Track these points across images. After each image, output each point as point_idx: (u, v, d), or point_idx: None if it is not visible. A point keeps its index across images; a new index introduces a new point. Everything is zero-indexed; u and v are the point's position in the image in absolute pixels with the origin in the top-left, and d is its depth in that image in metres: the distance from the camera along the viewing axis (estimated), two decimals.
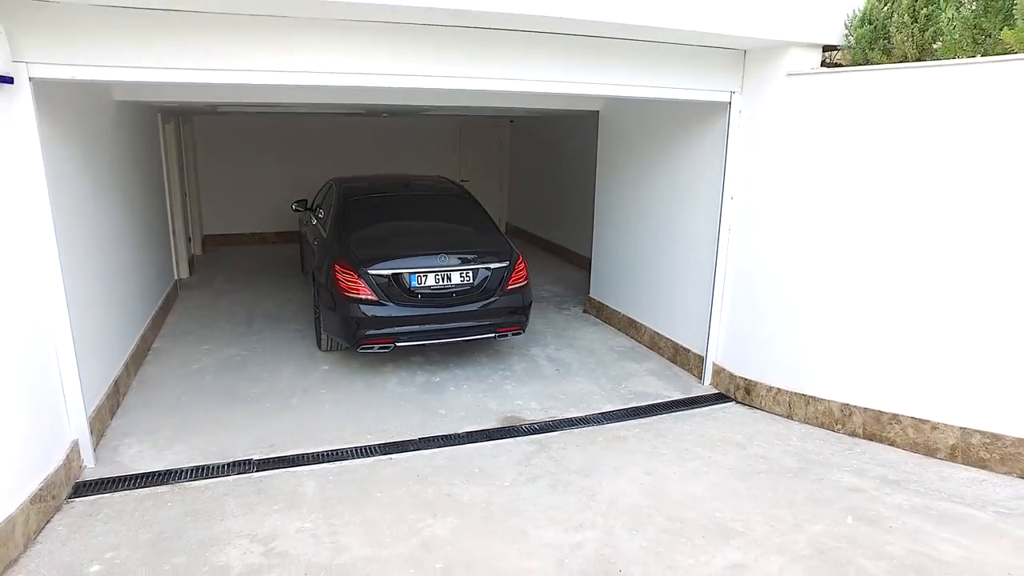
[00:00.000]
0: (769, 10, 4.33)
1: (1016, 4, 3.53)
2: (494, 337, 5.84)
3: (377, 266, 5.44)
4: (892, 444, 4.10)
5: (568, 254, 10.46)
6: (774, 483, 3.71)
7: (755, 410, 5.05)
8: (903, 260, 4.06)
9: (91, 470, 4.01)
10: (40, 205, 3.58)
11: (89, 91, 4.80)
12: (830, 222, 4.45)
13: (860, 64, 4.41)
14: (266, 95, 5.74)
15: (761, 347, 5.06)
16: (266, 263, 9.99)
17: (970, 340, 3.79)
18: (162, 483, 3.87)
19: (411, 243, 5.87)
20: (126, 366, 5.18)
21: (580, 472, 4.01)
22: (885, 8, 4.25)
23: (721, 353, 5.47)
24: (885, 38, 4.24)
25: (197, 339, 6.48)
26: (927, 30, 4.01)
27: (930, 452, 3.92)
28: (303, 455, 4.25)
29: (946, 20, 3.87)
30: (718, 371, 5.48)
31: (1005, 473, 3.60)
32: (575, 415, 4.99)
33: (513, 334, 5.90)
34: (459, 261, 5.65)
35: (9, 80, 3.32)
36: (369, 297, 5.39)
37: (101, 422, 4.40)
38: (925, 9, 4.01)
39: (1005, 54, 3.61)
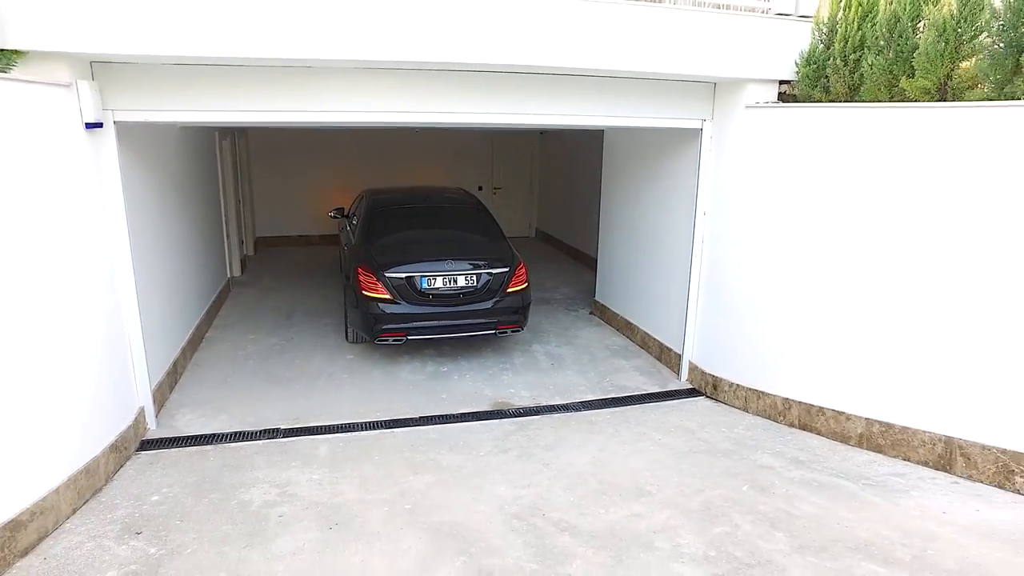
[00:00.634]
0: (727, 51, 5.04)
1: (915, 57, 4.18)
2: (495, 333, 6.71)
3: (393, 270, 6.39)
4: (818, 433, 4.77)
5: (589, 260, 11.20)
6: (702, 461, 4.45)
7: (719, 403, 5.76)
8: (828, 274, 4.73)
9: (153, 431, 5.07)
10: (118, 218, 4.65)
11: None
12: (776, 240, 5.14)
13: (806, 98, 5.09)
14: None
15: (726, 348, 5.77)
16: (309, 263, 11.13)
17: (874, 343, 4.44)
18: (207, 444, 4.90)
19: (424, 250, 6.77)
20: (183, 350, 6.29)
21: (546, 447, 4.84)
22: (825, 51, 4.91)
23: (695, 352, 6.19)
24: (824, 77, 4.91)
25: (244, 329, 7.59)
26: (855, 73, 4.66)
27: (844, 439, 4.58)
28: (321, 426, 5.22)
29: (867, 65, 4.52)
30: (693, 368, 6.20)
31: (894, 456, 4.24)
32: (558, 403, 5.81)
33: (512, 331, 6.75)
34: (465, 266, 6.55)
35: (100, 125, 4.39)
36: (386, 297, 6.34)
37: (162, 394, 5.49)
38: (854, 55, 4.66)
39: (905, 100, 4.26)
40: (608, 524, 3.52)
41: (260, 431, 5.12)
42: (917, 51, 4.21)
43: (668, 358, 6.62)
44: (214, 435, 5.06)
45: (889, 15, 4.44)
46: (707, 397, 5.93)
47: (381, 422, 5.33)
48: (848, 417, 4.57)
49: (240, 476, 4.34)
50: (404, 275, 6.39)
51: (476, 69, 4.89)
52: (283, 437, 5.03)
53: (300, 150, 12.10)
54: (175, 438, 4.99)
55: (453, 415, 5.52)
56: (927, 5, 4.23)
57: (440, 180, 12.02)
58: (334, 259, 10.81)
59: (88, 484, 4.01)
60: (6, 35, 3.67)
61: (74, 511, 3.80)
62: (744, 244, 5.45)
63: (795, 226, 4.98)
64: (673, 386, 6.23)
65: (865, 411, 4.47)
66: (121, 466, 4.47)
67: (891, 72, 4.40)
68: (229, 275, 9.45)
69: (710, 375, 5.93)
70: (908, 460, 4.19)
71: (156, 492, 4.11)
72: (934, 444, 4.08)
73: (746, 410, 5.49)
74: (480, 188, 12.91)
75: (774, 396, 5.21)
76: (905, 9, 4.33)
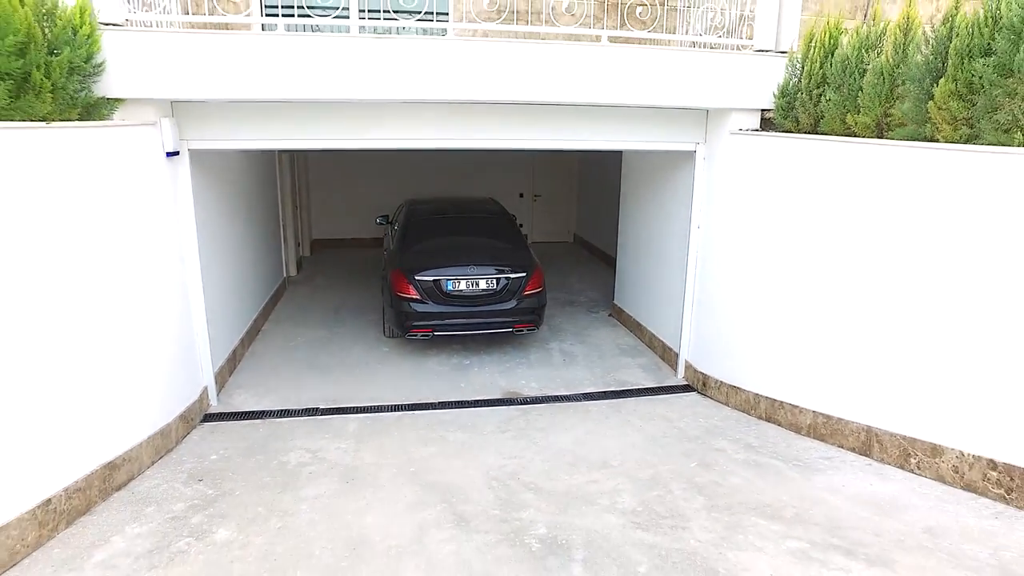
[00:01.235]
0: (716, 84, 5.76)
1: (860, 96, 4.83)
2: (512, 331, 7.60)
3: (422, 273, 7.36)
4: (778, 424, 5.45)
5: None
6: (668, 444, 5.21)
7: (706, 398, 6.48)
8: (787, 283, 5.39)
9: (214, 407, 6.18)
10: (189, 231, 5.76)
11: None
12: (748, 252, 5.83)
13: (781, 127, 5.76)
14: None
15: (714, 349, 6.48)
16: (360, 264, 12.27)
17: (819, 345, 5.10)
18: (257, 418, 5.96)
19: (451, 256, 7.68)
20: (242, 341, 7.44)
21: (540, 430, 5.68)
22: (796, 85, 5.58)
23: (691, 352, 6.90)
24: (794, 109, 5.58)
25: (295, 324, 8.73)
26: (817, 106, 5.32)
27: (797, 429, 5.25)
28: (353, 407, 6.21)
29: (825, 101, 5.18)
30: (688, 367, 6.92)
31: (831, 443, 4.89)
32: (562, 393, 6.64)
33: (528, 330, 7.62)
34: (487, 271, 7.46)
35: (177, 153, 5.51)
36: (416, 297, 7.32)
37: (223, 377, 6.61)
38: (816, 90, 5.32)
39: (852, 134, 4.91)
40: (567, 486, 4.34)
41: (302, 409, 6.16)
42: (861, 91, 4.86)
43: (669, 357, 7.35)
44: (263, 411, 6.13)
45: (842, 57, 5.09)
46: (698, 393, 6.64)
47: (404, 405, 6.29)
48: (800, 410, 5.24)
49: (281, 444, 5.36)
50: (432, 278, 7.35)
51: (510, 102, 5.74)
52: (320, 415, 6.05)
53: (355, 160, 13.26)
54: (232, 413, 6.08)
55: (467, 401, 6.43)
56: (869, 52, 4.88)
57: (484, 187, 12.93)
58: (380, 261, 11.90)
59: (163, 444, 5.11)
60: (109, 87, 4.79)
61: (152, 463, 4.90)
62: (725, 255, 6.16)
63: (764, 241, 5.67)
64: (670, 382, 6.97)
65: (812, 405, 5.13)
66: (188, 433, 5.58)
67: (844, 108, 5.05)
68: (285, 275, 10.66)
69: (701, 373, 6.65)
70: (841, 447, 4.83)
71: (214, 452, 5.18)
72: (859, 433, 4.72)
73: (726, 404, 6.19)
74: (521, 195, 13.81)
75: (747, 392, 5.90)
76: (854, 53, 4.99)
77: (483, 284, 7.45)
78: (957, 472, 4.05)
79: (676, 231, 7.07)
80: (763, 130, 6.00)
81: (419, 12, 5.71)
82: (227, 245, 7.10)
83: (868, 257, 4.74)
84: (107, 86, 4.77)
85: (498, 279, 7.47)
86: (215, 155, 6.61)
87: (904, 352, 4.48)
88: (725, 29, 6.29)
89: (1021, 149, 3.79)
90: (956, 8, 4.35)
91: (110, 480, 4.29)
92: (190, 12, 6.10)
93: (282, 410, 6.16)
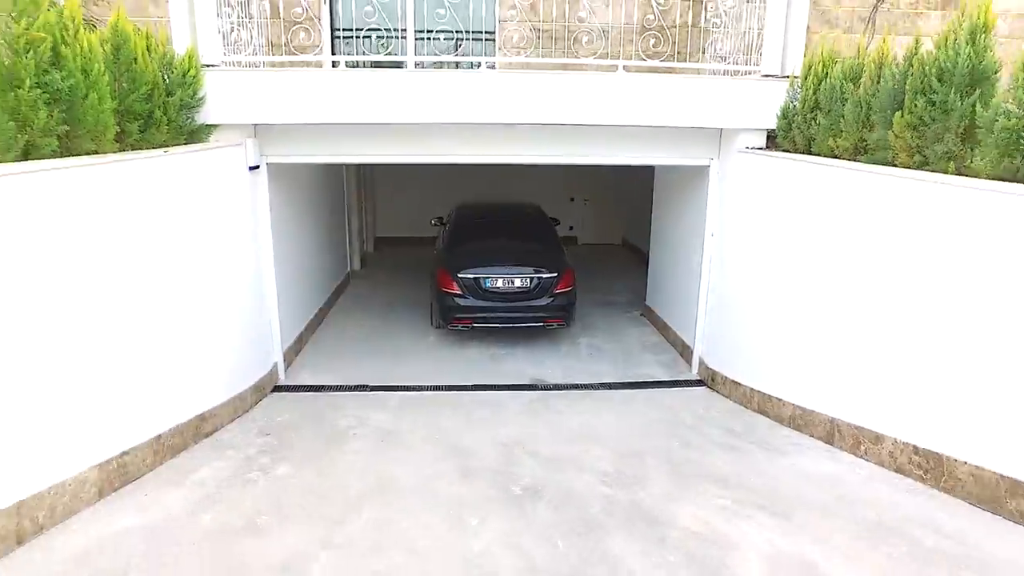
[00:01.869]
0: (727, 106, 6.58)
1: (842, 121, 5.57)
2: (543, 326, 8.60)
3: (464, 272, 8.46)
4: (767, 415, 6.23)
5: None
6: (662, 428, 6.09)
7: (713, 392, 7.29)
8: (774, 286, 6.16)
9: (282, 381, 7.46)
10: (265, 228, 7.04)
11: None
12: (752, 260, 6.63)
13: (781, 146, 6.53)
14: None
15: (721, 347, 7.29)
16: (415, 261, 13.48)
17: (798, 343, 5.83)
18: (316, 391, 7.19)
19: (490, 257, 8.74)
20: (308, 326, 8.74)
21: (555, 412, 6.66)
22: (794, 109, 6.34)
23: (703, 349, 7.72)
24: (792, 130, 6.34)
25: (354, 315, 10.01)
26: (810, 129, 6.07)
27: (781, 420, 6.02)
28: (397, 385, 7.36)
29: (816, 124, 5.94)
30: (701, 363, 7.74)
31: (805, 433, 5.63)
32: (583, 383, 7.59)
33: (557, 325, 8.62)
34: (521, 271, 8.49)
35: (258, 167, 6.80)
36: (457, 293, 8.43)
37: (290, 357, 7.90)
38: (810, 114, 6.07)
39: (836, 156, 5.65)
40: (560, 454, 5.30)
41: (354, 385, 7.36)
42: (843, 117, 5.61)
43: (687, 354, 8.17)
44: (322, 386, 7.37)
45: (830, 85, 5.84)
46: (707, 387, 7.46)
47: (441, 386, 7.39)
48: (783, 403, 6.01)
49: (335, 411, 6.56)
50: (473, 276, 8.44)
51: (547, 124, 6.71)
52: (369, 391, 7.23)
53: (416, 166, 14.49)
54: (296, 386, 7.35)
55: (496, 385, 7.47)
56: (849, 83, 5.61)
57: (536, 192, 13.89)
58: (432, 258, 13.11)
59: (240, 406, 6.39)
60: (208, 116, 6.08)
61: (231, 420, 6.17)
62: (733, 261, 6.97)
63: (760, 250, 6.45)
64: (684, 377, 7.81)
65: (792, 399, 5.89)
66: (260, 400, 6.86)
67: (830, 131, 5.80)
68: (349, 269, 12.02)
69: (711, 369, 7.46)
70: (812, 436, 5.58)
71: (280, 415, 6.42)
72: (825, 423, 5.45)
73: (729, 398, 7.00)
74: (572, 199, 14.76)
75: (745, 387, 6.70)
76: (839, 82, 5.73)
77: (518, 282, 8.48)
78: (892, 456, 4.76)
79: (694, 238, 7.89)
80: (768, 148, 6.77)
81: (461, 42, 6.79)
82: (297, 243, 8.40)
83: (836, 268, 5.48)
84: (206, 115, 6.06)
85: (532, 278, 8.49)
86: (289, 167, 7.90)
87: (859, 351, 5.20)
88: (736, 57, 7.07)
89: (951, 177, 4.50)
90: (916, 48, 5.06)
91: (200, 429, 5.56)
92: (271, 53, 7.39)
93: (338, 385, 7.38)
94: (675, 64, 7.10)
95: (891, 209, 4.98)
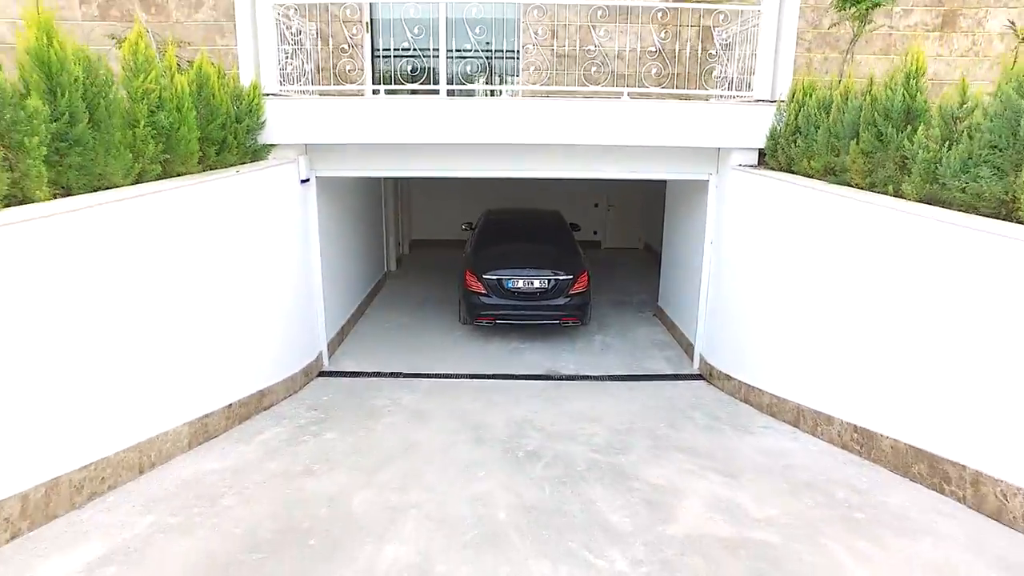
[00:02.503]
0: (724, 128, 7.58)
1: (815, 145, 6.53)
2: (559, 323, 9.69)
3: (488, 273, 9.59)
4: (750, 404, 7.20)
5: None
6: (656, 412, 7.10)
7: (710, 385, 8.28)
8: (755, 290, 7.13)
9: (326, 367, 8.70)
10: (314, 233, 8.28)
11: None
12: (740, 264, 7.61)
13: (769, 164, 7.50)
14: None
15: (717, 344, 8.28)
16: (446, 263, 14.66)
17: (772, 340, 6.79)
18: (356, 377, 8.40)
19: (512, 259, 9.86)
20: (349, 320, 9.98)
21: (563, 397, 7.73)
22: (780, 131, 7.30)
23: (704, 347, 8.71)
24: (777, 150, 7.31)
25: (390, 310, 11.23)
26: (791, 149, 7.04)
27: (761, 408, 6.98)
28: (427, 373, 8.52)
29: (795, 146, 6.90)
30: (701, 359, 8.73)
31: (780, 420, 6.58)
32: (593, 374, 8.66)
33: (573, 323, 9.70)
34: (540, 273, 9.59)
35: (308, 180, 8.03)
36: (482, 292, 9.57)
37: (333, 346, 9.14)
38: (793, 136, 7.03)
39: (811, 176, 6.61)
40: (562, 429, 6.37)
41: (389, 372, 8.55)
42: (815, 142, 6.57)
43: (690, 351, 9.16)
44: (361, 372, 8.58)
45: (807, 112, 6.80)
46: (705, 380, 8.45)
47: (465, 375, 8.53)
48: (763, 392, 6.98)
49: (372, 393, 7.74)
50: (496, 277, 9.57)
51: (563, 143, 7.80)
52: (403, 377, 8.40)
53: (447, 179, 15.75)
54: (338, 372, 8.58)
55: (514, 375, 8.58)
56: (822, 112, 6.57)
57: (562, 198, 14.95)
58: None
59: (291, 386, 7.62)
60: (268, 137, 7.33)
61: (284, 398, 7.40)
62: (727, 266, 7.96)
63: (747, 255, 7.44)
64: (685, 371, 8.81)
65: (770, 388, 6.86)
66: (307, 383, 8.09)
67: (806, 153, 6.76)
68: (386, 269, 13.27)
69: (709, 364, 8.45)
70: (783, 420, 6.53)
71: (325, 395, 7.64)
72: (793, 410, 6.41)
73: (722, 390, 7.99)
74: (596, 205, 15.80)
75: (736, 379, 7.68)
76: (814, 110, 6.69)
77: (537, 283, 9.59)
78: (839, 435, 5.70)
79: (696, 245, 8.88)
80: (760, 164, 7.75)
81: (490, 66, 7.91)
82: (340, 246, 9.65)
83: (801, 273, 6.43)
84: (266, 136, 7.31)
85: (549, 279, 9.58)
86: (334, 179, 9.15)
87: (819, 346, 6.14)
88: (733, 82, 8.05)
89: (887, 198, 5.44)
90: (870, 86, 6.01)
91: (260, 402, 6.79)
92: (319, 75, 8.64)
93: (375, 372, 8.59)
94: (675, 91, 8.13)
95: (845, 224, 5.93)
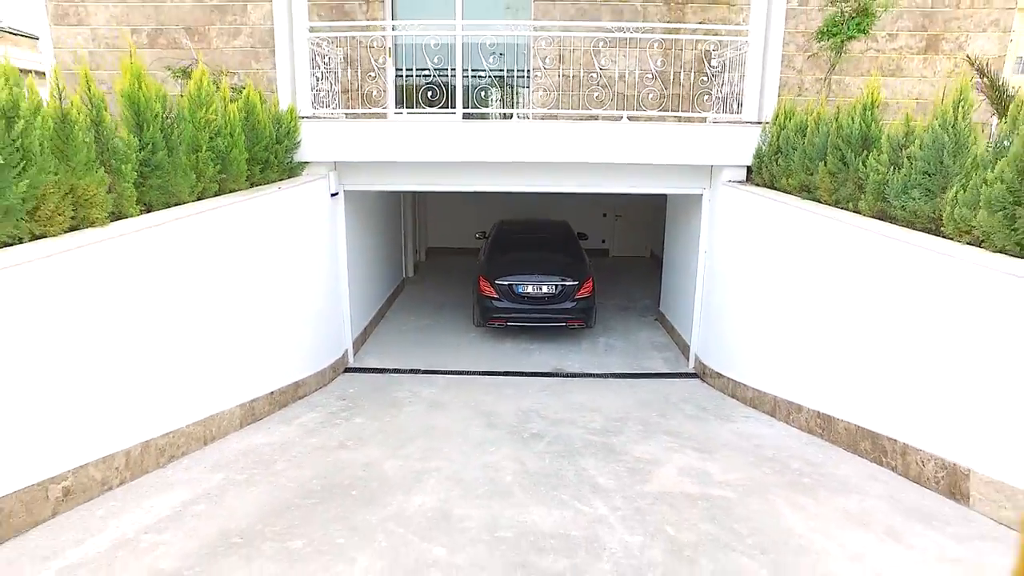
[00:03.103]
0: (716, 147, 8.53)
1: (792, 164, 7.46)
2: (566, 326, 10.66)
3: (500, 279, 10.59)
4: (737, 399, 8.12)
5: None
6: (649, 404, 8.03)
7: (703, 383, 9.20)
8: (735, 296, 8.05)
9: (351, 364, 9.71)
10: (342, 242, 9.31)
11: None
12: (728, 271, 8.54)
13: (755, 180, 8.44)
14: None
15: (710, 345, 9.20)
16: (461, 269, 15.71)
17: (754, 340, 7.70)
18: (379, 373, 9.40)
19: (523, 266, 10.85)
20: (371, 321, 11.00)
21: (566, 392, 8.67)
22: (764, 150, 8.24)
23: (698, 347, 9.64)
24: (762, 168, 8.25)
25: (409, 313, 12.24)
26: (774, 168, 7.97)
27: (745, 401, 7.89)
28: (443, 370, 9.50)
29: (777, 165, 7.84)
30: (696, 359, 9.66)
31: (760, 411, 7.47)
32: (594, 371, 9.61)
33: (578, 326, 10.66)
34: (548, 279, 10.57)
35: (337, 193, 9.07)
36: (494, 296, 10.57)
37: (358, 345, 10.15)
38: (775, 155, 7.97)
39: (789, 193, 7.54)
40: (564, 417, 7.32)
41: (409, 369, 9.55)
42: (793, 162, 7.50)
43: (687, 352, 10.09)
44: (383, 368, 9.59)
45: (786, 135, 7.74)
46: (699, 378, 9.38)
47: (478, 371, 9.51)
48: (747, 387, 7.90)
49: (393, 387, 8.74)
50: (507, 282, 10.56)
51: (567, 161, 8.77)
52: (421, 374, 9.40)
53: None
54: (363, 368, 9.59)
55: (523, 372, 9.55)
56: (799, 135, 7.50)
57: (572, 209, 15.94)
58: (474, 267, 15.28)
59: (321, 380, 8.63)
60: (303, 155, 8.38)
61: (316, 390, 8.41)
62: (719, 273, 8.89)
63: (734, 263, 8.37)
64: (681, 370, 9.74)
65: (752, 383, 7.78)
66: (335, 377, 9.10)
67: (785, 172, 7.70)
68: (404, 275, 14.30)
69: (703, 364, 9.38)
70: (763, 412, 7.43)
71: (351, 387, 8.64)
72: (771, 401, 7.31)
73: (713, 386, 8.91)
74: (604, 215, 16.77)
75: (725, 376, 8.60)
76: (792, 132, 7.63)
77: (545, 288, 10.57)
78: (807, 422, 6.61)
79: (692, 254, 9.83)
80: (748, 181, 8.69)
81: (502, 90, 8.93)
82: (364, 253, 10.69)
83: (780, 279, 7.36)
84: (301, 155, 8.37)
85: (557, 285, 10.56)
86: (360, 193, 10.19)
87: (790, 343, 7.06)
88: (725, 104, 9.01)
89: (847, 213, 6.36)
90: (837, 113, 6.94)
91: (296, 392, 7.81)
92: (346, 95, 9.71)
93: (396, 368, 9.59)
94: (670, 113, 9.10)
95: (814, 237, 6.86)
